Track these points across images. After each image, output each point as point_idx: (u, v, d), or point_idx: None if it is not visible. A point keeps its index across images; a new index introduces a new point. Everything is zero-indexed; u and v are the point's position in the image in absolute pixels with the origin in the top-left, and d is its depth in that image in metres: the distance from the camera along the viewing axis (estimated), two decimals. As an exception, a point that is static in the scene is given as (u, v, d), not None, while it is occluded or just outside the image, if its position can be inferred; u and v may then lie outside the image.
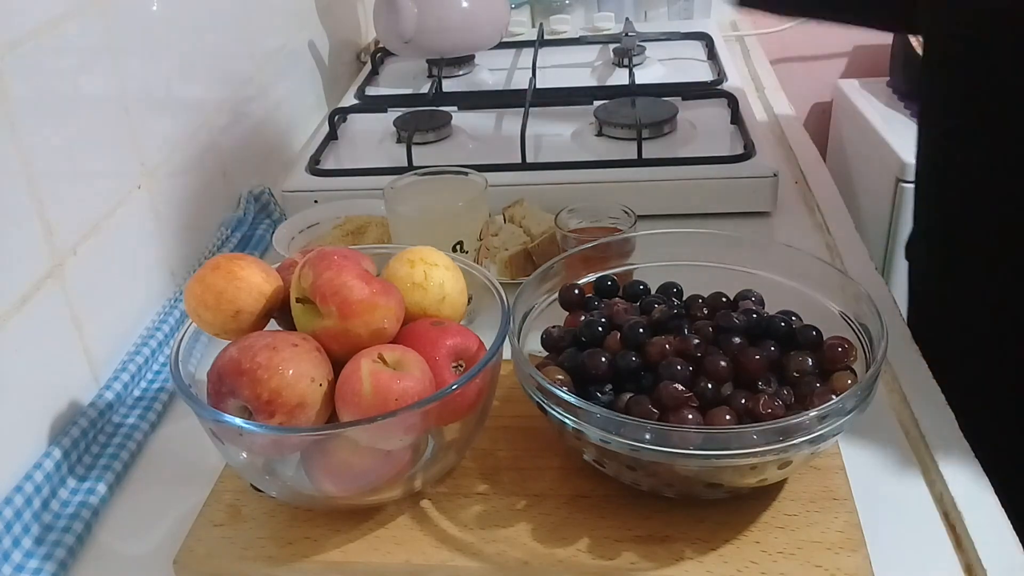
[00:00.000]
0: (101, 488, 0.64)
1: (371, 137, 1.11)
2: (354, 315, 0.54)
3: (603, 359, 0.59)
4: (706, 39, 1.36)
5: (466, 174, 0.82)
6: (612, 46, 1.31)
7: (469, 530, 0.58)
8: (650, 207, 0.89)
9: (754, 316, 0.61)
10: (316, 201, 0.97)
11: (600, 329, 0.61)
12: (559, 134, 1.08)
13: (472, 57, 1.29)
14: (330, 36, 1.34)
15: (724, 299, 0.65)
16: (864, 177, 1.74)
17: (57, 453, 0.64)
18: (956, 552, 0.57)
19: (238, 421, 0.52)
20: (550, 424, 0.57)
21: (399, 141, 1.06)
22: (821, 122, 1.89)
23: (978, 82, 0.73)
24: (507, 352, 0.59)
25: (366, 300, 0.55)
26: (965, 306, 0.80)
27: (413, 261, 0.60)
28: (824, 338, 0.60)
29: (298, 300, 0.57)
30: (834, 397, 0.54)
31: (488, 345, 0.58)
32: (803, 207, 0.98)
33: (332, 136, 1.10)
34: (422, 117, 1.10)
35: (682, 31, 1.40)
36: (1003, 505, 0.59)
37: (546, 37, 1.41)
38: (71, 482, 0.64)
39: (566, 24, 1.46)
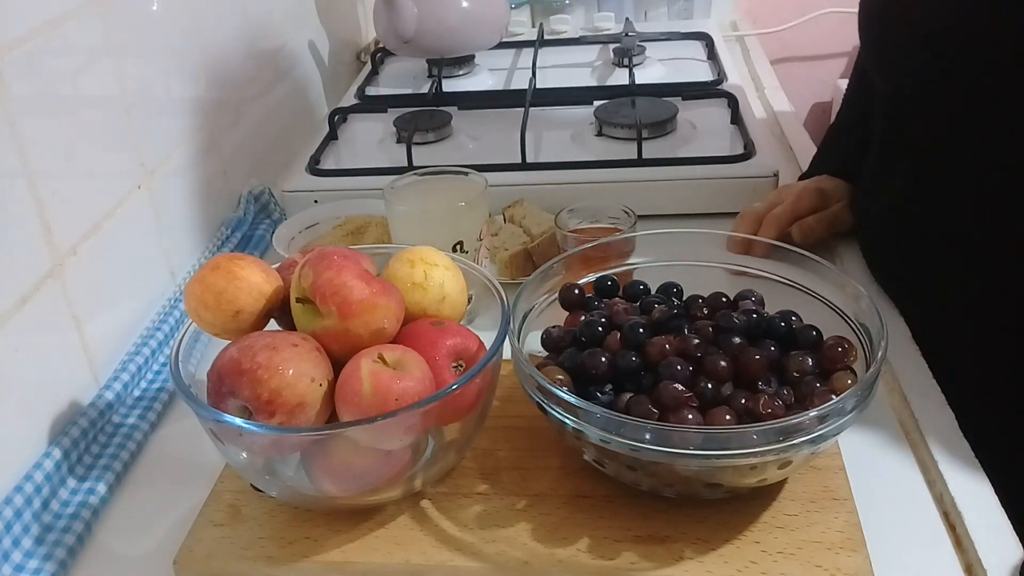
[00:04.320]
0: (101, 488, 0.64)
1: (371, 137, 1.11)
2: (354, 315, 0.54)
3: (603, 359, 0.59)
4: (706, 39, 1.36)
5: (466, 174, 0.82)
6: (612, 46, 1.31)
7: (469, 530, 0.58)
8: (650, 207, 0.89)
9: (754, 316, 0.61)
10: (316, 201, 0.97)
11: (600, 329, 0.61)
12: (559, 134, 1.07)
13: (472, 57, 1.29)
14: (330, 36, 1.34)
15: (724, 299, 0.65)
16: (864, 177, 1.74)
17: (57, 453, 0.64)
18: (956, 552, 0.57)
19: (238, 421, 0.52)
20: (550, 424, 0.57)
21: (399, 141, 1.06)
22: (821, 122, 1.89)
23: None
24: (507, 352, 0.59)
25: (366, 300, 0.55)
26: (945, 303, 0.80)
27: (413, 261, 0.60)
28: (824, 338, 0.60)
29: (298, 300, 0.57)
30: (834, 397, 0.54)
31: (488, 345, 0.58)
32: (803, 207, 0.98)
33: (332, 136, 1.10)
34: (422, 117, 1.10)
35: (682, 31, 1.40)
36: (1003, 505, 0.59)
37: (546, 37, 1.41)
38: (71, 482, 0.64)
39: (566, 24, 1.46)
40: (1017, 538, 0.57)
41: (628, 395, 0.58)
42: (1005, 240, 0.73)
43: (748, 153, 0.97)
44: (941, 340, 0.75)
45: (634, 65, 1.22)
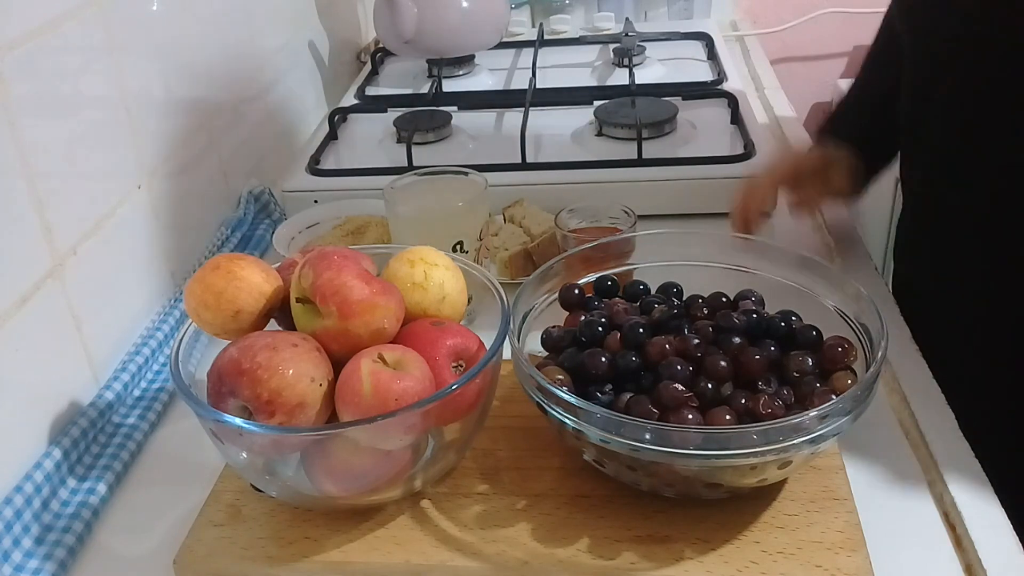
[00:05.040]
0: (101, 488, 0.64)
1: (371, 137, 1.11)
2: (354, 315, 0.54)
3: (603, 359, 0.59)
4: (706, 39, 1.36)
5: (466, 174, 0.82)
6: (612, 46, 1.31)
7: (469, 530, 0.58)
8: (650, 207, 0.89)
9: (754, 316, 0.61)
10: (316, 201, 0.97)
11: (600, 329, 0.61)
12: (559, 134, 1.07)
13: (472, 57, 1.29)
14: (330, 36, 1.34)
15: (724, 299, 0.65)
16: (864, 177, 1.73)
17: (57, 453, 0.64)
18: (956, 552, 0.57)
19: (238, 421, 0.52)
20: (550, 424, 0.57)
21: (399, 141, 1.06)
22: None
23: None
24: (507, 352, 0.59)
25: (366, 300, 0.55)
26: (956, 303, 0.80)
27: (413, 261, 0.60)
28: (824, 338, 0.60)
29: (298, 300, 0.57)
30: (834, 397, 0.54)
31: (488, 345, 0.58)
32: (803, 207, 0.98)
33: (332, 136, 1.11)
34: (422, 117, 1.10)
35: (682, 31, 1.40)
36: (1003, 505, 0.59)
37: (546, 37, 1.41)
38: (71, 482, 0.64)
39: (566, 24, 1.46)
40: (1017, 538, 0.57)
41: (628, 395, 0.58)
42: (1015, 238, 0.73)
43: (748, 153, 0.97)
44: (943, 339, 0.75)
45: (634, 65, 1.22)
